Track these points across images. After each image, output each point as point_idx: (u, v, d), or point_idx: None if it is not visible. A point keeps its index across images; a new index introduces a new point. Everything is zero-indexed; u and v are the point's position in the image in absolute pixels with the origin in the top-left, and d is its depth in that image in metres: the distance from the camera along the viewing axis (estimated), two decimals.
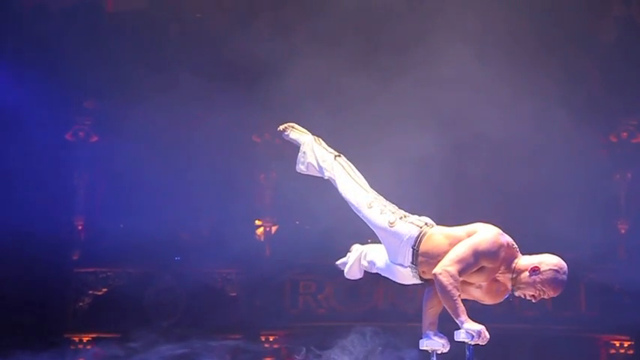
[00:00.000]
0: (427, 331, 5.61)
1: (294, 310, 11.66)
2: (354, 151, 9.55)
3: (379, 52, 11.34)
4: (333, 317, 11.07)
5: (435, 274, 5.41)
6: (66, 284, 11.94)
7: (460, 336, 5.42)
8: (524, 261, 5.43)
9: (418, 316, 9.84)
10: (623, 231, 11.98)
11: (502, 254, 5.43)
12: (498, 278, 5.52)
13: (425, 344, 5.61)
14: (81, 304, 12.00)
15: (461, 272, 5.38)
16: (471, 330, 5.36)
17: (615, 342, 11.73)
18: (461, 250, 5.44)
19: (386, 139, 10.87)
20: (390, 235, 5.70)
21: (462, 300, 5.59)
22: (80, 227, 12.18)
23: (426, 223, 5.68)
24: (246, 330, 11.54)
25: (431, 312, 5.67)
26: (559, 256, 5.46)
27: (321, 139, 5.99)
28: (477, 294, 5.66)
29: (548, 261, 5.42)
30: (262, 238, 12.35)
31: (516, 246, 5.49)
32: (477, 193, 11.27)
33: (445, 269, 5.39)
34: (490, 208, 10.41)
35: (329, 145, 6.09)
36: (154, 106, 11.51)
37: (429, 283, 5.69)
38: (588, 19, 11.92)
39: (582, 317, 11.72)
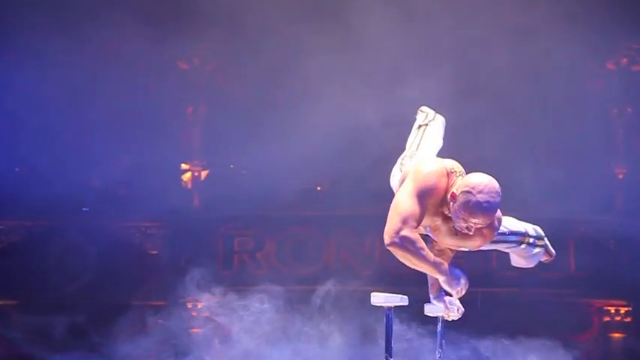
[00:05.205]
0: (430, 294, 5.67)
1: (227, 272, 11.59)
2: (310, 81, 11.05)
3: None
4: (275, 280, 10.73)
5: (387, 247, 5.34)
6: None
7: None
8: (454, 188, 5.33)
9: (372, 280, 10.94)
10: (620, 176, 12.02)
11: (442, 184, 5.34)
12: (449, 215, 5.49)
13: (426, 310, 5.68)
14: None
15: (417, 225, 5.31)
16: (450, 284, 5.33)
17: (610, 307, 11.80)
18: (402, 203, 5.34)
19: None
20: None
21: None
22: None
23: (401, 164, 5.75)
24: (170, 295, 11.30)
25: None
26: (492, 175, 5.32)
27: (438, 116, 6.05)
28: (448, 240, 5.56)
29: (464, 182, 5.28)
30: (189, 186, 12.42)
31: (459, 171, 5.38)
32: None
33: (398, 236, 5.26)
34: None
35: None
36: (57, 31, 11.40)
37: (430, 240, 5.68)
38: None
39: (571, 279, 11.74)
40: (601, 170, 11.90)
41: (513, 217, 5.95)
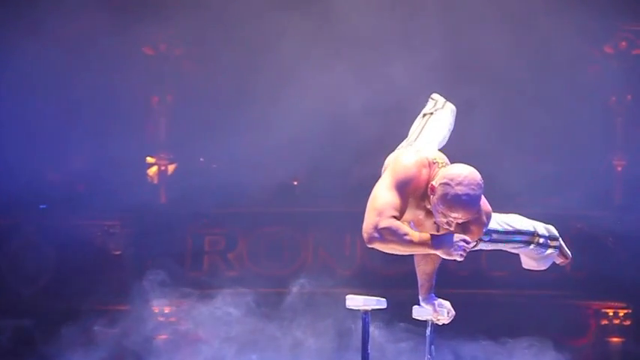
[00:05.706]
0: (420, 296, 5.69)
1: (196, 273, 11.54)
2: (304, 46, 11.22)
3: None
4: (248, 282, 10.70)
5: (368, 245, 5.31)
6: None
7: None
8: (434, 180, 5.25)
9: (352, 281, 10.94)
10: (619, 168, 11.91)
11: (423, 175, 5.25)
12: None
13: (414, 313, 5.67)
14: None
15: (398, 216, 5.19)
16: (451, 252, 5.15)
17: (608, 310, 11.71)
18: (379, 197, 5.25)
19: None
20: None
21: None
22: None
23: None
24: (134, 299, 11.04)
25: (419, 270, 5.62)
26: (473, 166, 5.19)
27: (448, 104, 5.96)
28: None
29: (443, 174, 5.18)
30: (156, 181, 12.35)
31: (442, 161, 5.27)
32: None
33: (377, 230, 5.16)
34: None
35: None
36: (12, 16, 11.41)
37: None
38: None
39: (567, 279, 11.39)
40: (598, 162, 11.81)
41: (519, 214, 5.76)
